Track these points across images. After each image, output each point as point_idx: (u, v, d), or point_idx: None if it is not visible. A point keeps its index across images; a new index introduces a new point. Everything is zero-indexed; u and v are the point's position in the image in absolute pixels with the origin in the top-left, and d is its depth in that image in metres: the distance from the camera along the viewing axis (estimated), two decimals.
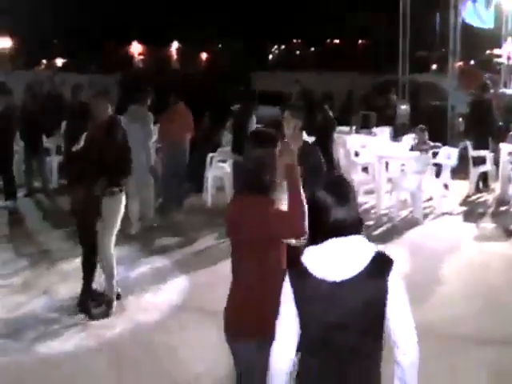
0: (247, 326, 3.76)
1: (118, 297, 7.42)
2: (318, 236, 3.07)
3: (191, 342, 6.53)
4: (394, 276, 3.01)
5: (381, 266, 3.01)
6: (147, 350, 6.42)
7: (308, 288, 3.02)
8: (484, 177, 13.06)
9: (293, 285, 3.06)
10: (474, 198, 12.56)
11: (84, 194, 6.93)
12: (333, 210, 3.03)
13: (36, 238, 10.25)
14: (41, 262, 8.92)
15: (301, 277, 3.03)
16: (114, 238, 7.21)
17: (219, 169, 12.56)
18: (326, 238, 3.03)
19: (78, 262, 8.51)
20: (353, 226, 3.06)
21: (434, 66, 33.50)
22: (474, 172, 12.82)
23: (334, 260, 2.98)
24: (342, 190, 3.10)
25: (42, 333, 6.77)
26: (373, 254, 3.02)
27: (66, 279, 8.29)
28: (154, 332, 6.81)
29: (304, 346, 3.13)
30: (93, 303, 7.30)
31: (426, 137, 12.59)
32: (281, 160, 3.78)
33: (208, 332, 6.23)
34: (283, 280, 3.12)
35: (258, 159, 3.79)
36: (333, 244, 3.01)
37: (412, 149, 12.46)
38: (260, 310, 3.67)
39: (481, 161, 12.82)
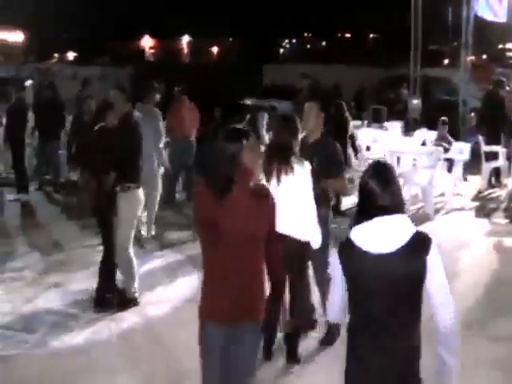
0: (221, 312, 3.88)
1: (135, 302, 7.26)
2: (364, 216, 3.35)
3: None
4: (434, 253, 3.30)
5: (420, 243, 3.30)
6: (159, 343, 6.45)
7: (355, 259, 3.34)
8: (496, 172, 13.02)
9: (341, 256, 3.39)
10: (486, 193, 12.52)
11: (97, 188, 6.92)
12: (378, 193, 3.32)
13: (48, 230, 10.28)
14: (53, 255, 8.95)
15: (349, 250, 3.36)
16: (130, 236, 7.06)
17: None
18: (372, 218, 3.31)
19: (90, 254, 8.65)
20: (396, 207, 3.34)
21: (446, 61, 33.34)
22: (486, 167, 12.77)
23: (378, 235, 3.28)
24: (387, 175, 3.38)
25: (54, 326, 6.79)
26: (414, 232, 3.30)
27: (77, 272, 8.34)
28: (166, 325, 6.83)
29: (350, 311, 3.49)
30: (112, 298, 7.24)
31: (447, 131, 12.57)
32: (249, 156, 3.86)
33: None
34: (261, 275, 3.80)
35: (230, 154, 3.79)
36: (378, 221, 3.30)
37: (431, 144, 12.44)
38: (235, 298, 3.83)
39: (493, 156, 12.78)
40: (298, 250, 5.49)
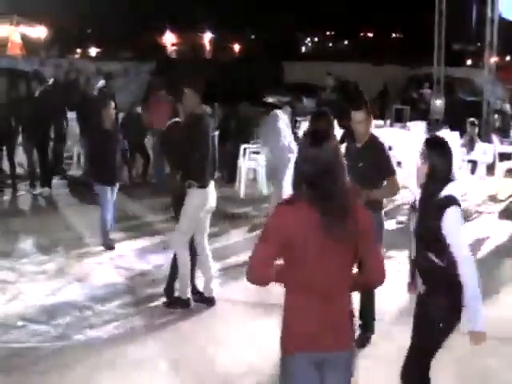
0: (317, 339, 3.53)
1: (210, 301, 7.21)
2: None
3: (233, 332, 6.59)
4: (452, 211, 4.18)
5: (445, 201, 4.21)
6: (184, 338, 6.47)
7: None
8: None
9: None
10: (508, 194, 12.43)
11: (170, 184, 7.04)
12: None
13: (71, 224, 10.34)
14: (76, 249, 9.01)
15: None
16: (182, 234, 6.99)
17: (253, 160, 12.58)
18: None
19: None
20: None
21: (470, 61, 33.14)
22: (500, 167, 12.72)
23: None
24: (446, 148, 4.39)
25: (77, 319, 6.84)
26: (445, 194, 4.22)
27: (100, 266, 8.39)
28: (190, 321, 6.85)
29: None
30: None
31: (476, 131, 12.48)
32: None
33: (252, 323, 6.26)
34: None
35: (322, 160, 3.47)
36: None
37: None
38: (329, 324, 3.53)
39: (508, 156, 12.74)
40: None
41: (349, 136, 6.49)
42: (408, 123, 15.86)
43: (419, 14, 33.53)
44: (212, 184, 7.10)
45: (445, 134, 13.58)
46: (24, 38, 38.15)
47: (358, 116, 6.10)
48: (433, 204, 4.30)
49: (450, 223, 4.24)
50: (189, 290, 7.12)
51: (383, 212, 6.36)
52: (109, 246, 9.01)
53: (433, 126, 15.91)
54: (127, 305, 7.21)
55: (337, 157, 3.50)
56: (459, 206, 4.29)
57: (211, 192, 7.07)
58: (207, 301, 7.17)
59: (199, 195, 6.92)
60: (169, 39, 56.78)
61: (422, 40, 25.02)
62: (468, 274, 4.22)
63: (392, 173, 6.21)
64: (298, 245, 3.40)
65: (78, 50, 50.29)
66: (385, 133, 13.58)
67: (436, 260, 4.30)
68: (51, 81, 14.91)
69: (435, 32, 18.02)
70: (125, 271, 8.27)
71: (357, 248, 3.49)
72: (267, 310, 6.66)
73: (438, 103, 17.79)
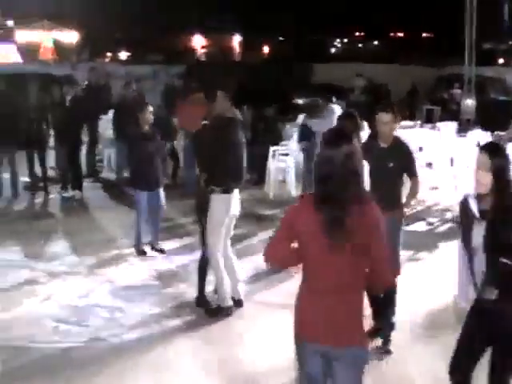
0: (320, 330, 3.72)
1: (238, 303, 7.17)
2: None
3: (260, 333, 6.61)
4: None
5: None
6: (212, 342, 6.51)
7: None
8: None
9: None
10: None
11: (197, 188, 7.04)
12: None
13: (102, 226, 10.44)
14: (107, 251, 9.10)
15: None
16: (212, 240, 6.93)
17: (282, 162, 12.60)
18: None
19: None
20: None
21: (501, 60, 32.80)
22: None
23: None
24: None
25: (108, 320, 6.92)
26: None
27: (131, 268, 8.47)
28: (216, 320, 6.89)
29: None
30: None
31: None
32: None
33: (279, 324, 6.27)
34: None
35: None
36: None
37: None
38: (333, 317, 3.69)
39: None
40: None
41: (372, 137, 6.51)
42: (438, 124, 15.72)
43: (449, 13, 33.25)
44: (236, 190, 7.02)
45: (476, 134, 13.48)
46: (56, 42, 38.55)
47: (384, 117, 6.13)
48: (504, 213, 4.18)
49: None
50: (229, 297, 7.07)
51: (403, 213, 6.35)
52: (140, 252, 8.98)
53: (464, 126, 15.75)
54: (157, 306, 7.27)
55: (350, 160, 3.58)
56: None
57: (235, 198, 6.99)
58: (235, 303, 7.14)
59: (222, 201, 6.85)
60: (198, 42, 57.01)
61: (452, 39, 24.85)
62: None
63: (416, 174, 6.34)
64: (304, 242, 3.68)
65: (108, 54, 50.68)
66: (415, 133, 13.52)
67: (509, 263, 4.15)
68: (85, 84, 15.09)
69: (466, 31, 17.86)
70: (155, 272, 8.33)
71: (369, 249, 3.58)
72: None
73: (469, 103, 17.59)
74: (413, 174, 6.29)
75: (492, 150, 4.25)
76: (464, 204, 4.41)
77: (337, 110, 9.83)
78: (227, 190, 6.87)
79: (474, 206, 4.33)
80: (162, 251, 9.01)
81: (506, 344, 4.27)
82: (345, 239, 3.52)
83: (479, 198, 4.30)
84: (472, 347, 4.42)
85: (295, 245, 3.77)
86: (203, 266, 7.17)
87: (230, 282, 7.13)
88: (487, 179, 4.19)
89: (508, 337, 4.23)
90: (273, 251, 3.84)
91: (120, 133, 12.39)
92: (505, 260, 4.16)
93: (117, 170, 13.25)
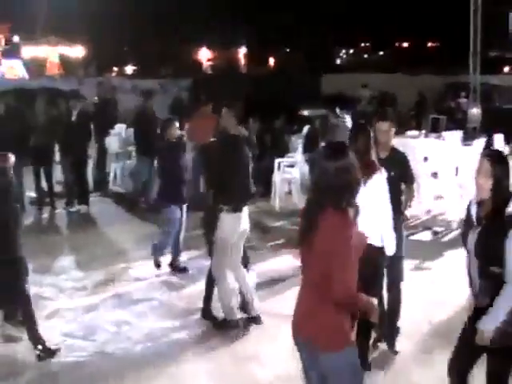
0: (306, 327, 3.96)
1: (255, 319, 7.10)
2: None
3: (272, 345, 6.62)
4: None
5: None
6: (223, 350, 6.51)
7: None
8: None
9: None
10: None
11: (204, 203, 7.07)
12: None
13: (109, 241, 10.47)
14: (114, 265, 9.12)
15: None
16: (218, 260, 6.94)
17: (288, 174, 12.62)
18: None
19: (151, 265, 8.85)
20: None
21: (507, 68, 32.78)
22: None
23: None
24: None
25: (112, 334, 6.95)
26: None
27: (138, 283, 8.49)
28: (226, 333, 6.90)
29: None
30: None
31: None
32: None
33: (282, 335, 6.27)
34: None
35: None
36: None
37: None
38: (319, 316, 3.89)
39: None
40: (371, 256, 5.53)
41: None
42: (443, 133, 15.70)
43: (455, 22, 33.29)
44: (245, 208, 6.98)
45: (482, 142, 13.47)
46: (62, 57, 38.73)
47: (383, 126, 6.19)
48: (500, 220, 4.24)
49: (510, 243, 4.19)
50: (236, 310, 7.05)
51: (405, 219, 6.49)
52: (158, 263, 8.87)
53: (470, 134, 15.73)
54: (164, 319, 7.28)
55: (338, 174, 3.79)
56: None
57: (244, 216, 6.94)
58: (252, 320, 7.07)
59: (231, 220, 6.81)
60: (204, 55, 57.21)
61: (458, 48, 24.86)
62: None
63: (413, 181, 6.48)
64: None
65: (115, 68, 50.87)
66: (420, 143, 13.51)
67: (498, 271, 4.24)
68: (95, 99, 15.17)
69: (471, 39, 17.89)
70: (162, 285, 8.36)
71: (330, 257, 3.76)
72: None
73: (475, 112, 17.60)
74: (410, 182, 6.41)
75: (494, 157, 4.35)
76: (468, 209, 4.54)
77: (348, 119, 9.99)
78: (236, 209, 6.83)
79: (473, 212, 4.44)
80: (184, 269, 8.84)
81: (494, 354, 4.35)
82: (307, 243, 3.85)
83: (480, 203, 4.40)
84: (467, 352, 4.49)
85: None
86: (211, 279, 7.17)
87: (246, 299, 7.09)
88: (488, 185, 4.28)
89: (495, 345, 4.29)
90: None
91: (143, 147, 12.36)
92: (493, 268, 4.24)
93: (142, 185, 13.25)
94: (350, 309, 3.87)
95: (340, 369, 3.85)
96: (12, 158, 6.69)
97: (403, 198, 6.32)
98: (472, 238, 4.38)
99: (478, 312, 4.39)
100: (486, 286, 4.33)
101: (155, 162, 10.53)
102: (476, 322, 4.35)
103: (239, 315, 7.08)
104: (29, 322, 6.42)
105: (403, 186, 6.35)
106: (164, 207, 8.83)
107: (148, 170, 13.24)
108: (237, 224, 6.85)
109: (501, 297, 4.21)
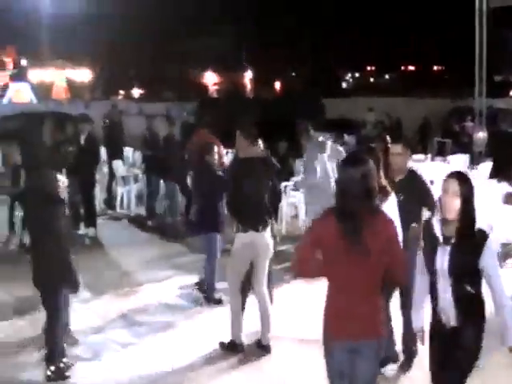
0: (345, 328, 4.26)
1: (264, 348, 6.98)
2: None
3: (284, 369, 6.62)
4: (489, 244, 4.41)
5: (482, 235, 4.43)
6: (234, 373, 6.50)
7: None
8: None
9: None
10: None
11: None
12: None
13: (115, 263, 10.48)
14: (120, 287, 9.15)
15: None
16: (231, 278, 6.99)
17: (293, 198, 12.64)
18: None
19: (158, 287, 8.87)
20: None
21: None
22: None
23: None
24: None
25: (119, 355, 6.96)
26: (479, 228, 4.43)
27: (144, 303, 8.52)
28: (236, 356, 6.90)
29: None
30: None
31: None
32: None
33: (299, 358, 6.28)
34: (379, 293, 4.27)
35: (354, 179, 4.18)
36: None
37: None
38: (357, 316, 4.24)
39: None
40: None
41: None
42: (449, 157, 15.73)
43: (460, 46, 33.46)
44: (263, 232, 6.87)
45: (487, 166, 13.49)
46: (69, 81, 38.97)
47: (395, 148, 6.23)
48: (471, 238, 4.39)
49: (488, 257, 4.39)
50: (242, 334, 7.02)
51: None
52: (217, 300, 8.44)
53: (475, 158, 15.75)
54: (172, 341, 7.29)
55: (365, 178, 4.17)
56: (490, 239, 4.43)
57: (258, 238, 6.83)
58: (261, 347, 7.01)
59: (240, 240, 6.85)
60: (210, 79, 57.51)
61: (463, 72, 24.96)
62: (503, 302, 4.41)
63: (433, 204, 6.25)
64: (326, 248, 4.23)
65: (121, 92, 51.17)
66: (425, 167, 13.52)
67: (469, 289, 4.40)
68: (106, 121, 15.29)
69: (476, 63, 17.94)
70: (170, 308, 8.36)
71: (384, 252, 4.16)
72: (314, 345, 6.65)
73: (481, 135, 17.61)
74: (430, 205, 6.22)
75: (462, 178, 4.53)
76: (428, 227, 4.62)
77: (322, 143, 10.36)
78: (244, 230, 6.82)
79: (437, 230, 4.51)
80: (219, 302, 8.45)
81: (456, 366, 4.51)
82: (360, 243, 4.09)
83: (444, 222, 4.49)
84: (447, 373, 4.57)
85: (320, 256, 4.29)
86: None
87: (260, 325, 7.03)
88: (456, 205, 4.40)
89: (461, 359, 4.48)
90: (301, 264, 4.39)
91: (170, 173, 12.35)
92: (467, 286, 4.38)
93: (150, 208, 13.34)
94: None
95: (378, 354, 4.34)
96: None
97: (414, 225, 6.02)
98: (441, 256, 4.47)
99: (442, 330, 4.53)
100: (459, 304, 4.44)
101: (189, 186, 10.57)
102: (444, 341, 4.52)
103: (242, 340, 7.03)
104: (49, 336, 6.46)
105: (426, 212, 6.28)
106: (205, 234, 8.62)
107: (156, 193, 13.35)
108: (245, 245, 6.82)
109: (505, 307, 4.40)
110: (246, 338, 7.09)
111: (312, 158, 10.67)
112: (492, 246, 4.45)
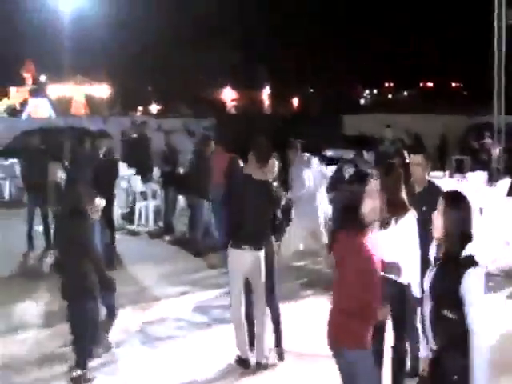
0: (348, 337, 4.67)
1: (258, 365, 6.95)
2: None
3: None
4: (473, 273, 4.06)
5: (467, 261, 4.11)
6: None
7: None
8: None
9: None
10: None
11: None
12: None
13: (133, 278, 10.48)
14: (138, 302, 9.16)
15: None
16: (231, 293, 7.04)
17: None
18: None
19: (175, 301, 8.90)
20: None
21: None
22: None
23: None
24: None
25: (138, 372, 6.94)
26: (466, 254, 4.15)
27: (162, 319, 8.53)
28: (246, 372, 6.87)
29: None
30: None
31: None
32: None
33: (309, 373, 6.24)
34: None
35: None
36: None
37: None
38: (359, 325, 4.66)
39: None
40: (397, 292, 5.57)
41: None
42: (468, 174, 15.62)
43: (478, 62, 33.40)
44: (259, 252, 6.83)
45: (506, 183, 13.40)
46: (87, 97, 39.26)
47: (416, 159, 6.26)
48: (454, 262, 4.10)
49: (470, 285, 4.02)
50: (247, 349, 7.00)
51: None
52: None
53: (494, 175, 15.65)
54: (188, 357, 7.28)
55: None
56: (479, 266, 4.06)
57: (248, 256, 6.78)
58: (256, 364, 6.97)
59: (232, 256, 6.87)
60: (228, 95, 57.74)
61: (482, 88, 24.88)
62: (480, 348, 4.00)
63: None
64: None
65: (139, 108, 51.44)
66: (444, 184, 13.41)
67: (450, 315, 4.08)
68: (134, 136, 15.50)
69: (495, 79, 17.85)
70: (185, 324, 8.36)
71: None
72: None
73: (499, 152, 17.51)
74: None
75: (450, 198, 4.27)
76: (427, 248, 4.53)
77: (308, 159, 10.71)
78: (236, 246, 6.81)
79: (432, 251, 4.35)
80: None
81: None
82: (348, 256, 4.61)
83: (438, 243, 4.26)
84: None
85: None
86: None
87: (256, 338, 7.02)
88: (438, 224, 4.18)
89: None
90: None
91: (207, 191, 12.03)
92: (445, 312, 4.08)
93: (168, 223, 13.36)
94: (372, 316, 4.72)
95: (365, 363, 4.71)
96: None
97: None
98: (428, 278, 4.24)
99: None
100: (438, 331, 4.16)
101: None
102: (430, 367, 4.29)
103: (247, 355, 6.99)
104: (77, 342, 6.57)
105: None
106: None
107: (174, 209, 13.38)
108: (237, 262, 6.82)
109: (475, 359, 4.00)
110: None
111: (298, 172, 10.78)
112: (478, 275, 4.04)
